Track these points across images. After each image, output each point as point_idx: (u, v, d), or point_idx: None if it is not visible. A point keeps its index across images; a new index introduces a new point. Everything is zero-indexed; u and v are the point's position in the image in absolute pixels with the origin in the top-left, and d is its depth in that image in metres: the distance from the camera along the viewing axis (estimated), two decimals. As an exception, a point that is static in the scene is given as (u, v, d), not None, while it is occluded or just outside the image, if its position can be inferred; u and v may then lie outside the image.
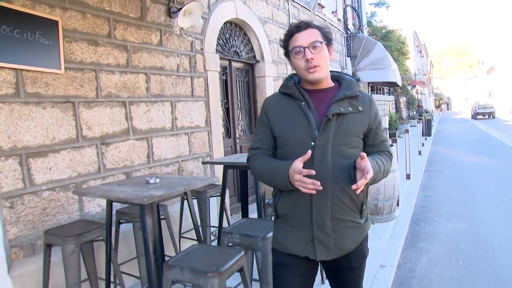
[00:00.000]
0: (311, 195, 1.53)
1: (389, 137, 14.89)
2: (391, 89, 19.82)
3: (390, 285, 3.26)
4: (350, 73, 10.81)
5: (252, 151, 1.76)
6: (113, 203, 2.50)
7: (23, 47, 2.67)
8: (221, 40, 5.04)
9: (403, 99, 24.41)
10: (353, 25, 12.13)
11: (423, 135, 14.65)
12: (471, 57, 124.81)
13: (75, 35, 3.07)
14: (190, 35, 4.31)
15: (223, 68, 5.16)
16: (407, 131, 8.73)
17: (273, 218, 1.80)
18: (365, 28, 14.04)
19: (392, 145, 5.28)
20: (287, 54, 1.67)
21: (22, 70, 2.69)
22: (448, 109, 79.59)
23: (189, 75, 4.27)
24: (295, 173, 1.47)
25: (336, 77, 1.74)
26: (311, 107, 1.62)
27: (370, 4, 19.08)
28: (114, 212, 3.27)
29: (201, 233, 2.67)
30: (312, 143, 1.56)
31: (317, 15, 8.56)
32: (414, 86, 29.09)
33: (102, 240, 2.73)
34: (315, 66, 1.57)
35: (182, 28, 4.13)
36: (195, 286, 1.98)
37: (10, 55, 2.59)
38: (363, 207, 1.66)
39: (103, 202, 3.29)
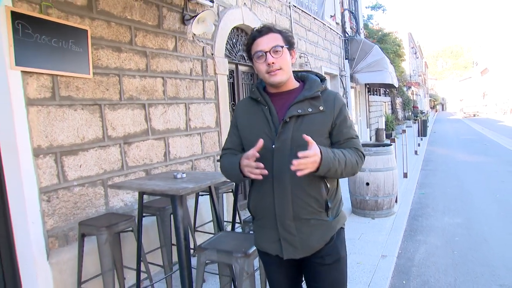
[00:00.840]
0: (273, 196, 1.62)
1: (386, 137, 15.24)
2: (387, 90, 20.17)
3: (391, 273, 3.53)
4: (348, 75, 11.11)
5: (223, 151, 1.85)
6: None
7: (59, 54, 2.92)
8: (228, 45, 5.30)
9: (398, 100, 24.79)
10: (351, 28, 12.44)
11: (418, 135, 14.96)
12: (466, 58, 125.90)
13: (101, 42, 3.33)
14: (202, 41, 4.57)
15: (231, 72, 5.43)
16: (404, 131, 9.03)
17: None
18: (362, 31, 14.36)
19: (391, 145, 5.56)
20: (250, 58, 1.70)
21: (57, 75, 2.94)
22: (443, 109, 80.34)
23: (201, 78, 4.54)
24: (243, 159, 1.56)
25: (302, 78, 1.76)
26: (271, 111, 1.66)
27: (366, 7, 19.45)
28: (136, 206, 3.55)
29: (223, 224, 2.92)
30: (273, 146, 1.61)
31: (316, 19, 8.85)
32: (410, 87, 29.48)
33: (130, 231, 2.99)
34: (276, 70, 1.60)
35: (194, 34, 4.39)
36: (224, 265, 2.24)
37: (48, 62, 2.84)
38: (329, 205, 1.64)
39: (126, 198, 3.55)
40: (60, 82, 2.98)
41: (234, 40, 5.50)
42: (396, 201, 5.64)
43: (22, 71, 2.68)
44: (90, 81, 3.22)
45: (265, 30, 1.64)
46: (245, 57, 5.70)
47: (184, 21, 4.27)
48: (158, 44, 3.94)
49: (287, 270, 1.79)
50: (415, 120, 18.09)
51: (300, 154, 1.43)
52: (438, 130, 23.18)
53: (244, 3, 5.58)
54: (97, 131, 3.29)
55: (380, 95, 18.51)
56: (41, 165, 2.84)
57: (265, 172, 1.51)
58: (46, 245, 2.84)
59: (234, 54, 5.46)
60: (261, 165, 1.51)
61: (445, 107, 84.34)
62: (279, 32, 1.66)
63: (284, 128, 1.61)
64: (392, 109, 22.17)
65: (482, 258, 3.81)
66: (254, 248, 2.14)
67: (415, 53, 40.22)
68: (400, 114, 25.39)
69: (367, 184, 5.16)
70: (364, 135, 13.85)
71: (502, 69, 43.54)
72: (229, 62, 5.18)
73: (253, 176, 1.54)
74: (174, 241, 3.33)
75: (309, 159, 1.44)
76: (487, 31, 52.53)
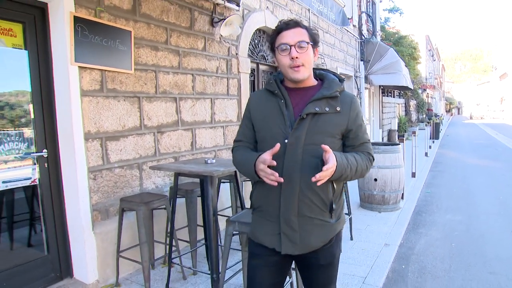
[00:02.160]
0: (280, 190, 1.62)
1: (398, 138, 15.48)
2: (401, 92, 20.35)
3: (393, 258, 3.91)
4: (362, 76, 11.41)
5: (235, 143, 1.86)
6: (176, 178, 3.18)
7: (108, 52, 3.36)
8: (251, 46, 5.70)
9: (413, 102, 24.90)
10: (367, 30, 12.72)
11: (430, 138, 15.18)
12: (485, 62, 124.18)
13: (142, 42, 3.76)
14: (228, 42, 4.98)
15: (252, 70, 5.83)
16: (414, 133, 9.33)
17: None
18: (379, 34, 14.61)
19: (399, 144, 5.90)
20: (272, 49, 1.69)
21: (105, 70, 3.39)
22: (459, 113, 79.54)
23: (225, 76, 4.96)
24: (259, 163, 1.57)
25: (321, 76, 1.76)
26: (288, 105, 1.66)
27: (384, 10, 19.66)
28: (167, 189, 3.99)
29: (244, 203, 3.32)
30: (286, 141, 1.60)
31: (334, 21, 9.19)
32: (425, 90, 29.49)
33: (163, 208, 3.43)
34: (299, 66, 1.60)
35: (221, 35, 4.80)
36: (246, 241, 2.67)
37: (99, 59, 3.29)
38: (333, 206, 1.65)
39: (157, 181, 3.99)
40: (107, 76, 3.42)
41: (256, 41, 5.90)
42: (402, 198, 5.99)
43: (79, 67, 3.13)
44: (131, 76, 3.66)
45: (292, 24, 1.64)
46: (265, 57, 6.09)
47: (212, 23, 4.68)
48: (190, 44, 4.36)
49: (277, 266, 1.76)
50: (428, 122, 18.27)
51: (324, 168, 1.48)
52: (451, 133, 23.25)
53: (267, 7, 5.97)
54: (136, 120, 3.73)
55: (394, 96, 18.72)
56: (89, 148, 3.29)
57: (281, 180, 1.55)
58: (92, 217, 3.30)
59: (256, 54, 5.86)
60: (276, 174, 1.54)
61: (461, 111, 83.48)
62: (306, 28, 1.66)
63: (300, 124, 1.60)
64: (405, 111, 22.32)
65: (477, 250, 4.16)
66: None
67: (432, 56, 40.02)
68: (414, 116, 25.50)
69: (375, 180, 5.53)
70: (376, 135, 14.13)
71: (520, 74, 43.05)
72: (251, 62, 5.59)
73: (268, 181, 1.56)
74: (199, 221, 3.78)
75: (328, 171, 1.48)
76: (508, 35, 51.88)
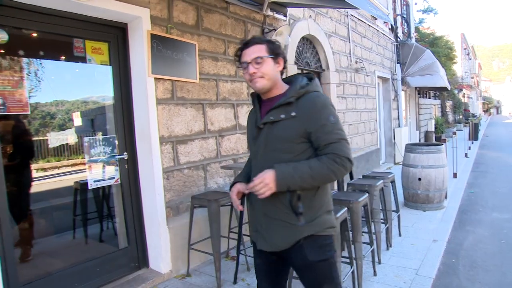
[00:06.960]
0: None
1: (435, 140, 15.32)
2: (437, 93, 20.08)
3: (442, 253, 4.08)
4: (399, 78, 11.46)
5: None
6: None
7: (177, 64, 3.74)
8: (296, 53, 5.99)
9: (449, 103, 24.44)
10: (403, 32, 12.76)
11: (469, 139, 14.94)
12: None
13: (204, 54, 4.13)
14: (276, 50, 5.29)
15: (297, 76, 6.11)
16: (454, 133, 9.32)
17: None
18: (414, 35, 14.59)
19: (442, 144, 6.01)
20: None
21: (175, 80, 3.77)
22: (498, 113, 76.77)
23: (275, 82, 5.27)
24: (234, 189, 1.90)
25: (290, 82, 1.85)
26: (258, 117, 1.82)
27: (418, 11, 19.53)
28: (227, 188, 4.32)
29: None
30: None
31: (370, 26, 9.36)
32: (461, 90, 28.85)
33: (230, 205, 3.76)
34: (259, 77, 1.72)
35: (271, 45, 5.12)
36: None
37: (170, 70, 3.67)
38: (299, 210, 1.68)
39: (219, 180, 4.33)
40: (177, 85, 3.80)
41: (301, 49, 6.19)
42: (445, 197, 6.09)
43: (155, 78, 3.52)
44: (196, 85, 4.03)
45: (251, 42, 1.76)
46: (309, 63, 6.38)
47: (263, 33, 5.01)
48: (244, 54, 4.69)
49: (270, 260, 1.90)
50: (466, 123, 17.94)
51: (249, 186, 1.71)
52: (490, 134, 22.65)
53: (310, 15, 6.26)
54: (200, 125, 4.09)
55: (429, 98, 18.52)
56: (163, 151, 3.67)
57: (241, 208, 1.93)
58: (166, 213, 3.67)
59: (300, 61, 6.15)
60: (238, 204, 1.90)
61: (500, 110, 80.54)
62: (266, 42, 1.76)
63: (259, 133, 1.77)
64: (442, 112, 21.98)
65: (527, 246, 4.27)
66: (362, 198, 3.14)
67: (468, 54, 39.01)
68: (450, 117, 25.02)
69: (419, 179, 5.68)
70: (413, 137, 14.08)
71: None
72: (297, 68, 5.88)
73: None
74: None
75: (258, 185, 1.63)
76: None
